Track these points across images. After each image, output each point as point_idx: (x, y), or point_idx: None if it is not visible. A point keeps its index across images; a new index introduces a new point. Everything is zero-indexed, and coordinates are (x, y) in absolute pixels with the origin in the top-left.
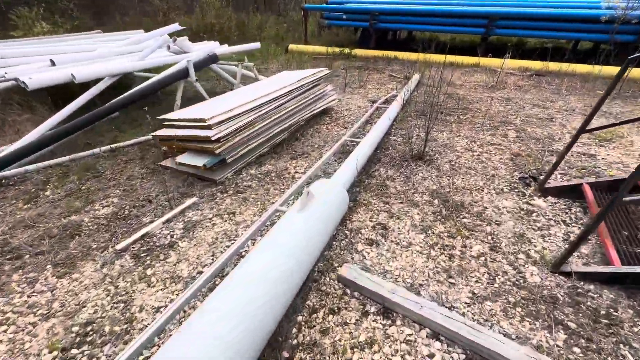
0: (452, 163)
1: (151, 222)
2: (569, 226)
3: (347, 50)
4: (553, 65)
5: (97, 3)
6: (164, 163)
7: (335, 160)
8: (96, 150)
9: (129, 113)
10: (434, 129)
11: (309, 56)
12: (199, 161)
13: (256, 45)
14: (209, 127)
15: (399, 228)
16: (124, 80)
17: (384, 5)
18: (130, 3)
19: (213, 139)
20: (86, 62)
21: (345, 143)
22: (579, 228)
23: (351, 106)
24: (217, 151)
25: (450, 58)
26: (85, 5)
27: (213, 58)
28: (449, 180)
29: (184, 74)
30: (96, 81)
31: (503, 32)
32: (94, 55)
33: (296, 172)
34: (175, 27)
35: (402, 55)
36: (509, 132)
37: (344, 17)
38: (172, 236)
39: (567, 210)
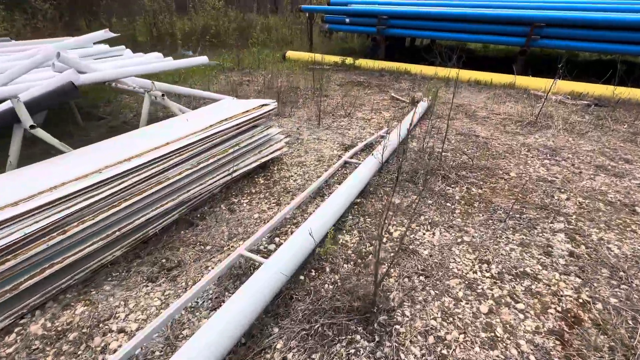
0: (432, 340)
1: None
2: None
3: (349, 60)
4: (622, 91)
5: (82, 4)
6: None
7: (222, 291)
8: None
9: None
10: (423, 217)
11: (307, 66)
12: None
13: (202, 59)
14: None
15: None
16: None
17: (395, 7)
18: (117, 3)
19: None
20: None
21: (242, 259)
22: None
23: (310, 156)
24: None
25: (476, 75)
26: (69, 5)
27: (67, 91)
28: None
29: (10, 117)
30: None
31: (549, 44)
32: None
33: (121, 332)
34: (102, 34)
35: (414, 68)
36: (554, 240)
37: (347, 20)
38: None
39: None
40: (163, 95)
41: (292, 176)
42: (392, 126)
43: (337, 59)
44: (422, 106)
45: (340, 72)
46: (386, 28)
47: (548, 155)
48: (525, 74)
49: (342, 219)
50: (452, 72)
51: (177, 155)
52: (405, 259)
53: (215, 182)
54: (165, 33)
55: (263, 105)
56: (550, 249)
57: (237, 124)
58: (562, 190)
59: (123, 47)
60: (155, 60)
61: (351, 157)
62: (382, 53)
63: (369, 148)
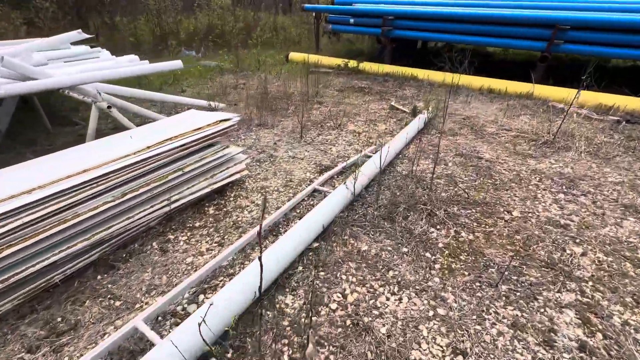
0: None
1: None
2: None
3: (352, 63)
4: None
5: (82, 3)
6: None
7: None
8: None
9: None
10: (392, 273)
11: (309, 69)
12: None
13: (176, 63)
14: None
15: None
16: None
17: (402, 7)
18: (124, 1)
19: None
20: None
21: (139, 332)
22: None
23: (277, 180)
24: None
25: (489, 82)
26: (74, 4)
27: None
28: None
29: None
30: None
31: (574, 49)
32: None
33: None
34: (75, 35)
35: (421, 74)
36: (560, 321)
37: (352, 21)
38: None
39: None
40: (109, 107)
41: (248, 206)
42: (381, 144)
43: (339, 61)
44: (420, 119)
45: (342, 76)
46: (392, 29)
47: (564, 187)
48: (545, 82)
49: (290, 269)
50: (459, 79)
51: (93, 185)
52: (354, 340)
53: (147, 215)
54: (169, 32)
55: (222, 120)
56: (553, 335)
57: (183, 145)
58: (578, 240)
59: (99, 48)
60: (129, 64)
61: (323, 184)
62: (388, 56)
63: (349, 171)
